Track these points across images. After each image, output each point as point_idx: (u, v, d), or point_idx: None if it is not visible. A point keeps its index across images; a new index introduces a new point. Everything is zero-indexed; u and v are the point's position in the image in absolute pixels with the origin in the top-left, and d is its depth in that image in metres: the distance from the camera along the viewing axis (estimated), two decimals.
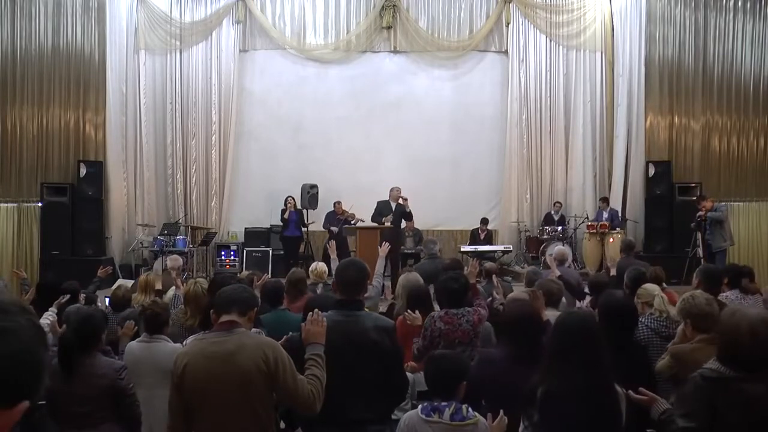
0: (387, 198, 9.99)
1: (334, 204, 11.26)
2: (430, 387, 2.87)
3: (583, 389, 2.50)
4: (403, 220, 9.84)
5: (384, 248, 5.57)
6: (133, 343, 3.93)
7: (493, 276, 6.58)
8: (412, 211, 9.75)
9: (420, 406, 2.74)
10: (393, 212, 9.63)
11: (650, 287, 4.31)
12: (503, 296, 5.30)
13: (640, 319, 3.76)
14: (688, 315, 3.30)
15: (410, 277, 4.95)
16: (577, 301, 5.86)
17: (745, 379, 2.30)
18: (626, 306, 3.49)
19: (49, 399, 3.41)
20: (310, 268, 6.13)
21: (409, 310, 4.25)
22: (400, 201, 9.60)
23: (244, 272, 8.88)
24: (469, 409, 2.67)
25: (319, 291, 5.44)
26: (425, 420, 2.65)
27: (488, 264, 6.99)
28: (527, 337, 3.19)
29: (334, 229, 10.63)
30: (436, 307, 4.36)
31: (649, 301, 4.11)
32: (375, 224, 9.58)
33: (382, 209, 9.73)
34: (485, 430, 2.67)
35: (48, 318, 4.56)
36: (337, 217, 10.96)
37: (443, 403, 2.67)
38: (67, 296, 5.03)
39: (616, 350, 3.13)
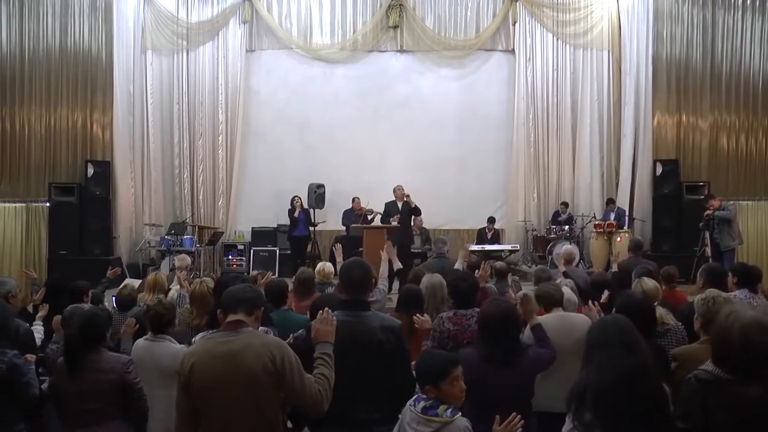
0: (392, 198, 9.98)
1: (352, 200, 11.27)
2: None
3: (630, 381, 2.51)
4: (413, 216, 9.85)
5: (386, 252, 5.46)
6: (140, 341, 3.93)
7: (509, 275, 6.55)
8: (419, 207, 9.74)
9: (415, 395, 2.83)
10: (400, 211, 9.64)
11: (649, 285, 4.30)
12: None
13: None
14: (702, 316, 3.29)
15: (433, 279, 4.80)
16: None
17: (738, 382, 2.27)
18: (645, 307, 3.46)
19: (56, 398, 3.43)
20: (317, 269, 6.08)
21: (417, 314, 4.23)
22: (405, 199, 9.62)
23: (253, 272, 8.85)
24: (449, 410, 2.68)
25: (330, 291, 5.38)
26: (410, 407, 2.76)
27: (499, 264, 6.98)
28: (501, 338, 3.20)
29: (355, 226, 10.57)
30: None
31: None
32: (381, 224, 9.58)
33: (390, 210, 9.75)
34: None
35: (39, 332, 4.57)
36: (356, 213, 10.94)
37: (422, 395, 2.75)
38: (47, 307, 4.89)
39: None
